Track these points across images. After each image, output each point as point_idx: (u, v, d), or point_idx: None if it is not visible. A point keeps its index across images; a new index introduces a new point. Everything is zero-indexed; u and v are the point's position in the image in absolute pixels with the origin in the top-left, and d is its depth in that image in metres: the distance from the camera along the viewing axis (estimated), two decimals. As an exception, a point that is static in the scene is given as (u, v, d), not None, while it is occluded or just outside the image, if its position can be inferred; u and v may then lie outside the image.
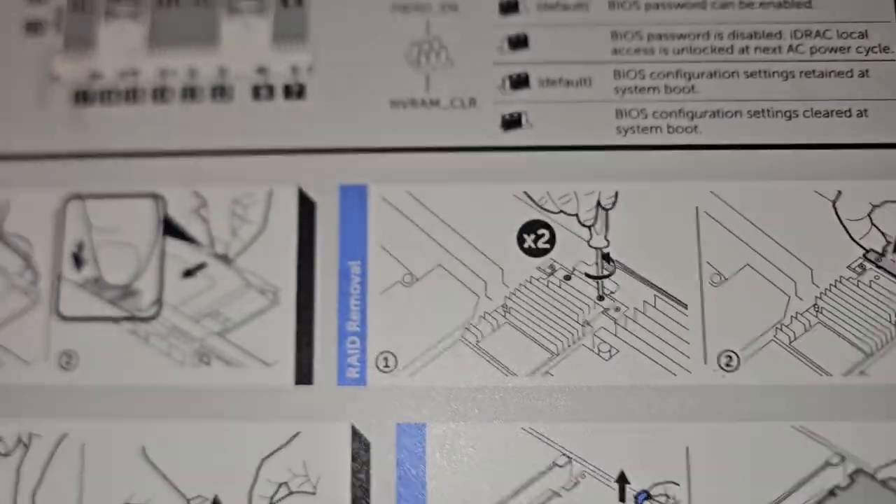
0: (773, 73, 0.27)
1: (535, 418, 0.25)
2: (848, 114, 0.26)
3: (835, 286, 0.26)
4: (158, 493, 0.25)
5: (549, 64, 0.27)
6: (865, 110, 0.26)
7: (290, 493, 0.25)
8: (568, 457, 0.25)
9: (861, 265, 0.26)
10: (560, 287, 0.26)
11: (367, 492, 0.25)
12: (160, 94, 0.28)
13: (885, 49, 0.27)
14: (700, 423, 0.25)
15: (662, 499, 0.24)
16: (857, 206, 0.26)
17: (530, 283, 0.26)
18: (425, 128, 0.27)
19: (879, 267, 0.26)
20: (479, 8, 0.28)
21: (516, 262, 0.26)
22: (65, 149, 0.27)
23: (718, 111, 0.27)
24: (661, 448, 0.25)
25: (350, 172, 0.27)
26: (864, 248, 0.26)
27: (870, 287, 0.25)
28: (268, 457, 0.25)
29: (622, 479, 0.25)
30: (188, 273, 0.26)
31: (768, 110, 0.27)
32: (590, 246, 0.26)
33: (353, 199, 0.27)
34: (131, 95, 0.28)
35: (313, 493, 0.25)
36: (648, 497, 0.25)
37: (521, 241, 0.26)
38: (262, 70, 0.28)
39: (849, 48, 0.27)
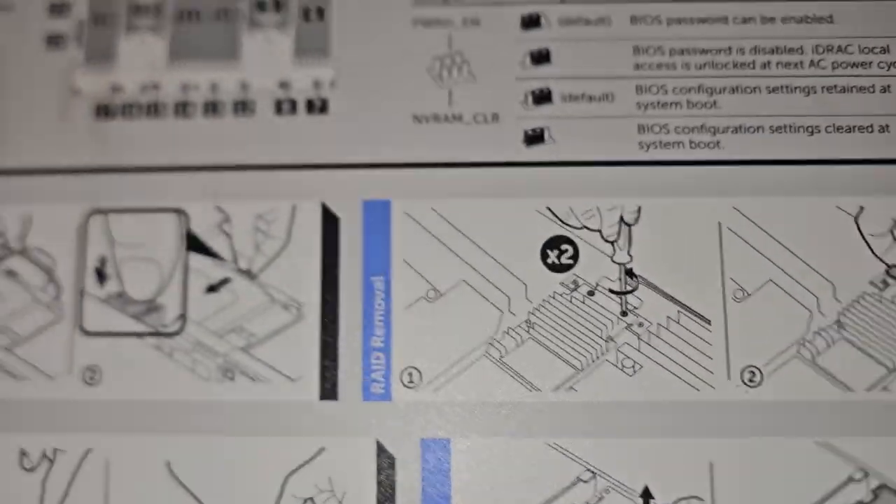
0: (795, 88, 0.27)
1: (560, 434, 0.25)
2: (870, 129, 0.27)
3: (857, 302, 0.26)
4: (184, 508, 0.25)
5: (572, 79, 0.27)
6: (887, 126, 0.27)
7: (316, 508, 0.25)
8: (592, 472, 0.25)
9: (883, 281, 0.26)
10: (583, 303, 0.26)
11: (392, 507, 0.25)
12: (182, 108, 0.28)
13: (907, 64, 0.27)
14: (723, 439, 0.25)
15: (686, 514, 0.25)
16: (879, 222, 0.26)
17: (554, 298, 0.26)
18: (448, 143, 0.27)
19: (901, 282, 0.26)
20: (501, 22, 0.28)
21: (540, 277, 0.26)
22: (86, 163, 0.27)
23: (740, 126, 0.27)
24: (685, 463, 0.25)
25: (373, 187, 0.27)
26: (887, 264, 0.26)
27: (892, 302, 0.26)
28: (293, 472, 0.25)
29: (646, 495, 0.25)
30: (212, 288, 0.26)
31: (790, 126, 0.27)
32: (613, 261, 0.26)
33: (377, 214, 0.27)
34: (153, 109, 0.28)
35: (339, 509, 0.25)
36: (672, 512, 0.25)
37: (544, 256, 0.26)
38: (284, 85, 0.28)
39: (870, 63, 0.27)
